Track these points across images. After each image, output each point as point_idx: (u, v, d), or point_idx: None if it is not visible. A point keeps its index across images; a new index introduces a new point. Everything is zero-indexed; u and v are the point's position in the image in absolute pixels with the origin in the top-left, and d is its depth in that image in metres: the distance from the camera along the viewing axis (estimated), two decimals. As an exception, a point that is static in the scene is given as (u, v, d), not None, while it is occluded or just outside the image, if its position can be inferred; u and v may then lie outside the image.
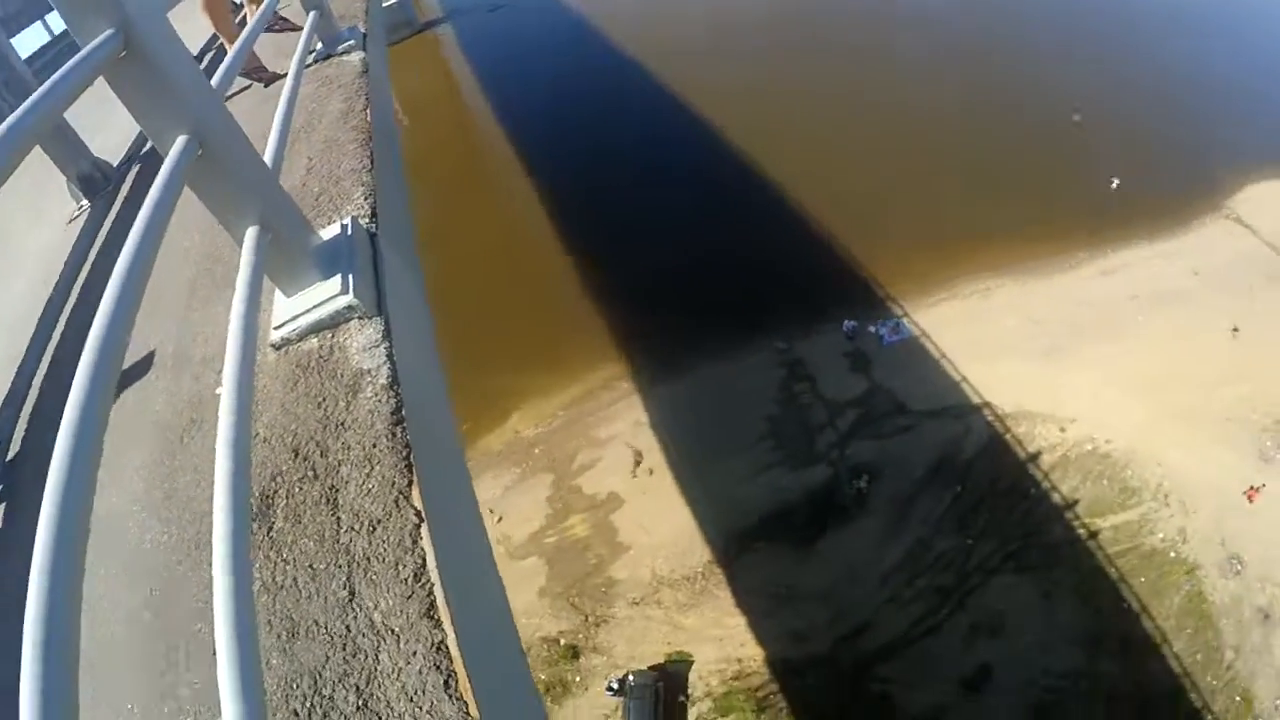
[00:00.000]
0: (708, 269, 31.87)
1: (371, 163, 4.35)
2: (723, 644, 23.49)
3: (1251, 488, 27.81)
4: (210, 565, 1.62)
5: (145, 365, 3.52)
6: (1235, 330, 32.76)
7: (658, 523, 25.53)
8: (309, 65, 6.14)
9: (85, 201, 6.01)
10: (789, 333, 29.96)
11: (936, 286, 31.90)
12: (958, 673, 23.16)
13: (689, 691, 22.77)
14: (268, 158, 3.05)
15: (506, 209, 36.06)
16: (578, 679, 23.13)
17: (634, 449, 27.22)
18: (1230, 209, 40.11)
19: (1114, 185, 38.25)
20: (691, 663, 23.02)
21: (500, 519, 25.84)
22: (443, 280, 28.42)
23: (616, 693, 22.13)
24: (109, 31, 1.86)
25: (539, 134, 40.86)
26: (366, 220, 3.71)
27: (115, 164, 6.76)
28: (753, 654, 23.32)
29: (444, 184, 35.81)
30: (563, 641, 23.59)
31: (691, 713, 22.59)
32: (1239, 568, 26.40)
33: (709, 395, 28.35)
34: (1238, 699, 24.05)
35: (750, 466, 26.57)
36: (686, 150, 38.33)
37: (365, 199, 3.94)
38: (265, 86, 6.37)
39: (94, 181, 6.12)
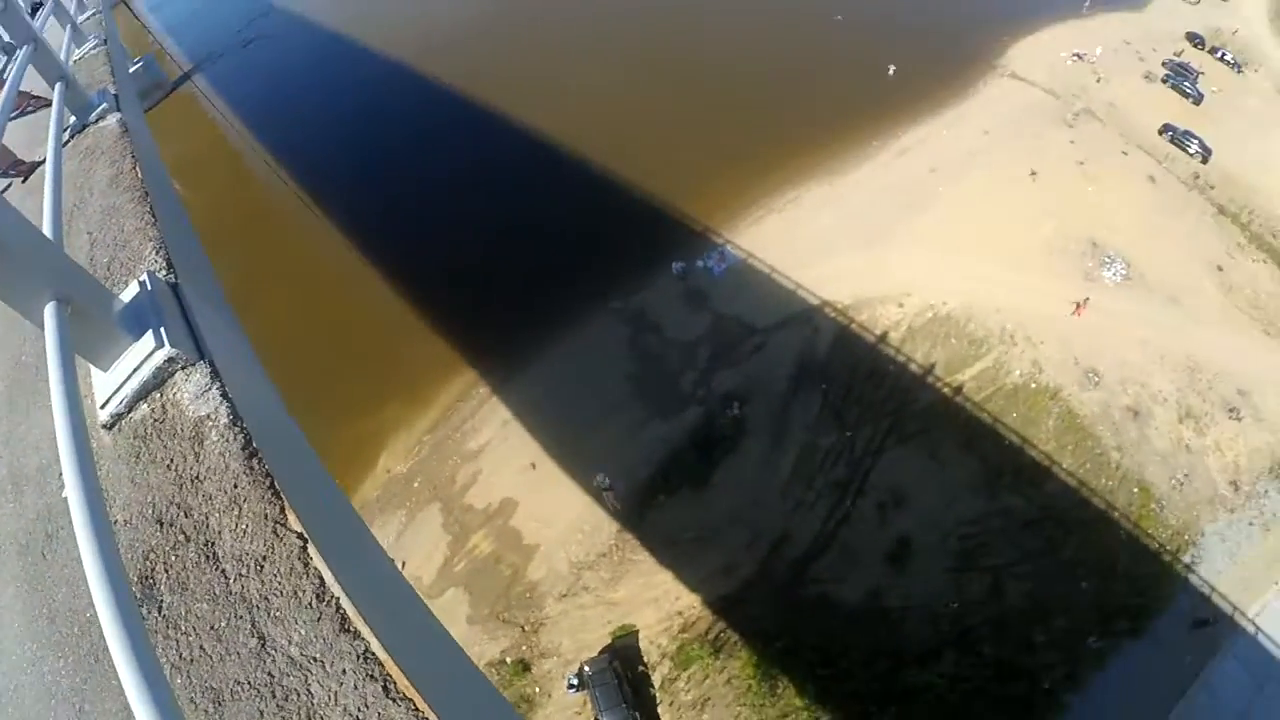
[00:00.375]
0: (525, 252, 34.79)
1: (154, 216, 4.75)
2: (659, 604, 26.17)
3: (1076, 304, 33.20)
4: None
5: (-17, 497, 3.59)
6: (1033, 174, 38.82)
7: (557, 513, 28.01)
8: (66, 142, 6.59)
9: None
10: (623, 290, 33.24)
11: (749, 207, 36.22)
12: (881, 551, 26.77)
13: (645, 660, 25.48)
14: (47, 230, 3.44)
15: (313, 248, 37.97)
16: (537, 690, 25.34)
17: (509, 449, 29.75)
18: (1004, 67, 47.39)
19: (891, 72, 44.23)
20: (637, 632, 25.68)
21: (404, 564, 27.59)
22: (268, 338, 28.68)
23: (578, 687, 24.46)
24: None
25: (324, 161, 42.89)
26: (164, 272, 4.04)
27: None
28: (690, 602, 26.05)
29: (241, 239, 37.16)
30: (509, 660, 25.77)
31: (655, 676, 25.23)
32: (1097, 379, 31.41)
33: (564, 373, 31.24)
34: (1135, 491, 29.02)
35: (626, 428, 29.43)
36: (475, 142, 41.32)
37: (157, 253, 4.30)
38: (24, 181, 6.51)
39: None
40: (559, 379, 31.17)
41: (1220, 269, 37.37)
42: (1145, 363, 32.59)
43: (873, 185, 37.69)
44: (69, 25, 10.00)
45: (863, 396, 30.23)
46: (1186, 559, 28.40)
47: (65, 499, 2.92)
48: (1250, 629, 27.19)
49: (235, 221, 38.14)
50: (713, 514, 27.99)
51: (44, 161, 5.47)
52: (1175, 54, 54.66)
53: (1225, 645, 26.73)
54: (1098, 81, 48.19)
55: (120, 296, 3.53)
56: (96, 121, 6.92)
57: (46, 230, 3.49)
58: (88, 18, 13.20)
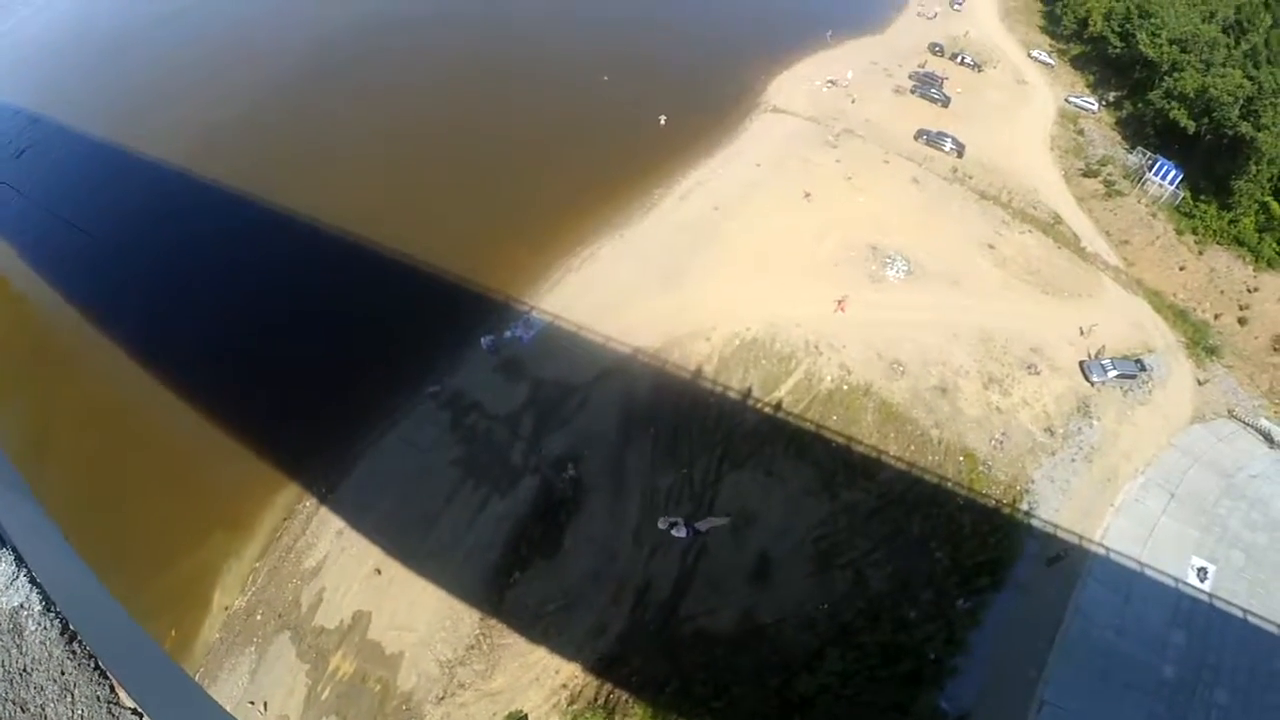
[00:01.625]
0: (330, 351, 34.58)
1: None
2: (541, 682, 25.99)
3: (837, 302, 35.90)
4: None
5: None
6: (808, 195, 42.01)
7: (414, 614, 27.49)
8: None
9: None
10: (435, 374, 33.53)
11: (547, 270, 37.59)
12: (744, 573, 27.65)
13: (540, 743, 24.11)
14: None
15: (107, 383, 35.93)
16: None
17: (349, 559, 29.01)
18: (766, 102, 51.56)
19: (663, 121, 47.48)
20: (525, 716, 25.29)
21: (265, 704, 26.33)
22: (70, 492, 28.72)
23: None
24: None
25: (110, 283, 40.76)
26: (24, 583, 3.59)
27: None
28: (572, 672, 25.98)
29: (26, 388, 35.40)
30: (410, 780, 23.92)
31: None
32: (901, 369, 33.93)
33: (391, 470, 30.95)
34: (961, 459, 31.21)
35: (465, 513, 29.40)
36: (264, 242, 40.77)
37: (17, 564, 3.71)
38: None
39: None
40: (387, 477, 30.78)
41: (992, 247, 41.23)
42: (942, 344, 35.37)
43: (661, 231, 39.80)
44: None
45: (691, 431, 31.43)
46: (1024, 507, 30.65)
47: None
48: (1101, 551, 29.52)
49: (15, 369, 36.16)
50: (571, 578, 28.13)
51: None
52: (919, 66, 60.95)
53: (1083, 572, 28.79)
54: (853, 102, 52.83)
55: None
56: None
57: None
58: None
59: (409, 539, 28.98)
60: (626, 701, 25.47)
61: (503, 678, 26.35)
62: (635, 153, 43.48)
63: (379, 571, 28.33)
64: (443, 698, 26.01)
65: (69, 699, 2.85)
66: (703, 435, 31.38)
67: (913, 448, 31.67)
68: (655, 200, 41.73)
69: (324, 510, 30.28)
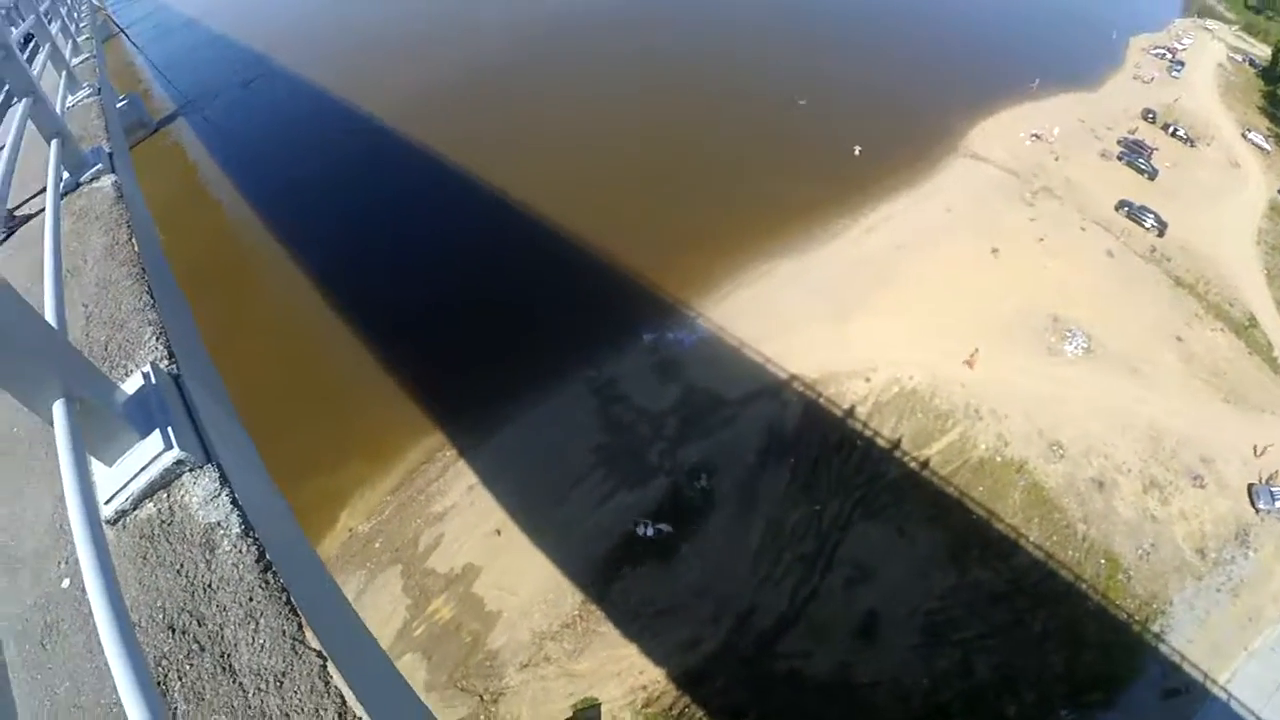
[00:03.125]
0: (499, 318, 34.50)
1: (153, 298, 4.36)
2: (623, 678, 25.21)
3: (968, 355, 33.63)
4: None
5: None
6: (995, 251, 39.27)
7: (521, 580, 27.16)
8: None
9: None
10: (594, 359, 32.95)
11: (720, 282, 36.23)
12: (848, 626, 25.99)
13: (605, 735, 23.99)
14: (50, 317, 3.03)
15: (286, 300, 37.40)
16: (495, 764, 23.80)
17: (475, 514, 28.84)
18: (966, 147, 48.40)
19: (857, 152, 45.17)
20: (600, 705, 24.64)
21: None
22: (236, 387, 30.02)
23: (541, 762, 22.70)
24: None
25: (304, 213, 42.63)
26: (166, 362, 3.73)
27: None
28: (654, 676, 25.16)
29: (215, 286, 36.25)
30: (466, 730, 24.32)
31: (616, 751, 23.70)
32: (1061, 451, 31.19)
33: (533, 440, 30.59)
34: (1103, 562, 28.60)
35: (593, 497, 28.82)
36: (456, 207, 41.48)
37: (157, 339, 3.95)
38: (4, 240, 5.86)
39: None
40: (527, 446, 30.50)
41: (1179, 339, 37.71)
42: (1109, 434, 32.41)
43: (840, 262, 37.86)
44: (64, 71, 9.23)
45: (831, 470, 29.83)
46: (1156, 628, 27.86)
47: (64, 589, 2.95)
48: (1222, 696, 26.69)
49: (209, 267, 37.71)
50: (679, 586, 27.30)
51: (29, 218, 5.54)
52: (1130, 131, 56.17)
53: (1198, 713, 26.13)
54: (1055, 160, 49.10)
55: (123, 387, 3.24)
56: (90, 181, 6.26)
57: (50, 307, 3.20)
58: (81, 62, 12.34)
59: (534, 509, 28.70)
60: (699, 720, 24.13)
61: (588, 663, 25.81)
62: (825, 179, 41.75)
63: (499, 532, 28.21)
64: (526, 665, 25.66)
65: (252, 625, 2.68)
66: (842, 477, 29.84)
67: (1055, 538, 29.21)
68: (839, 230, 39.91)
69: (461, 463, 30.31)
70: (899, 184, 43.41)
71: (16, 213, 6.08)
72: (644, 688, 25.47)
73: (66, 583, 3.00)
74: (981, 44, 61.59)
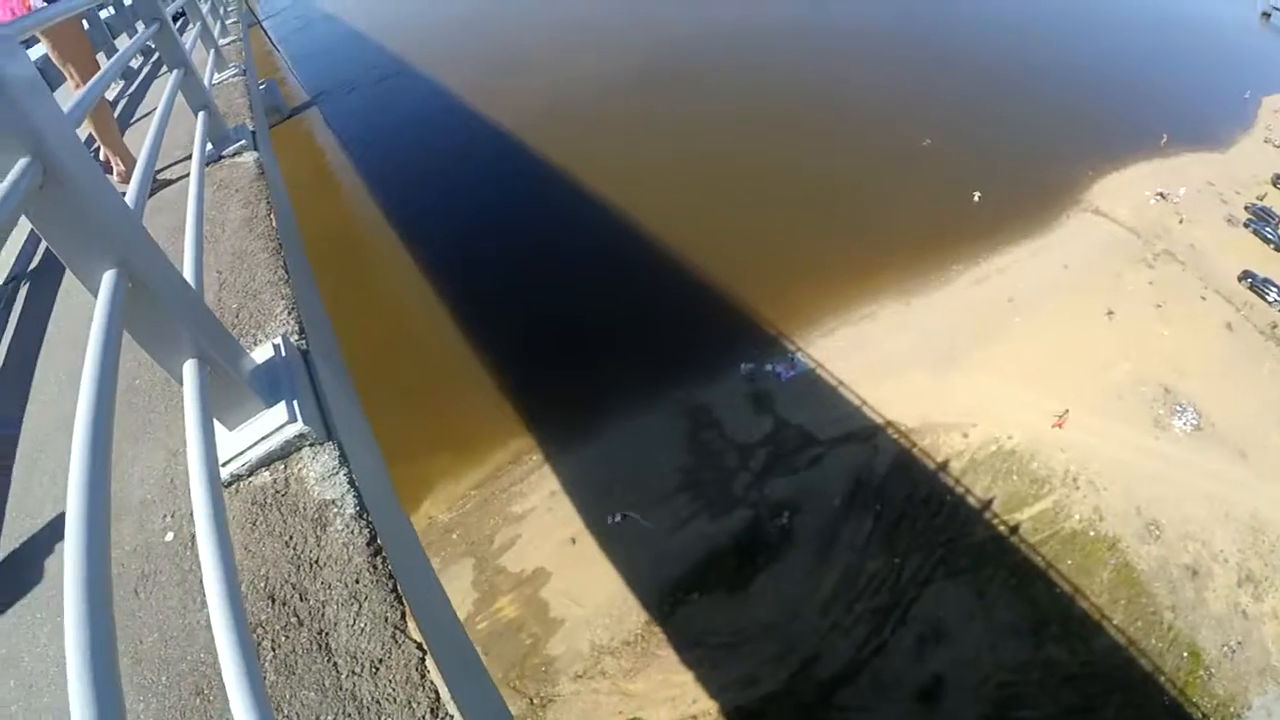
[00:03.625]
0: (600, 329, 34.46)
1: (287, 273, 4.43)
2: (675, 704, 24.90)
3: (1057, 417, 32.36)
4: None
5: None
6: (1110, 313, 37.64)
7: (588, 591, 27.15)
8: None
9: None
10: (689, 382, 32.53)
11: (825, 317, 35.43)
12: (913, 687, 25.17)
13: (652, 760, 23.72)
14: (188, 277, 3.04)
15: (397, 286, 38.33)
16: (537, 768, 23.96)
17: (553, 520, 28.90)
18: (1089, 202, 46.43)
19: (976, 198, 43.74)
20: None
21: None
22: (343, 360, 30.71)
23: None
24: (25, 160, 1.82)
25: (420, 204, 43.87)
26: (296, 337, 3.79)
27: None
28: (707, 708, 24.74)
29: (332, 264, 36.93)
30: (514, 731, 24.72)
31: (661, 778, 23.49)
32: (1157, 532, 29.73)
33: (619, 455, 30.41)
34: (1185, 655, 27.02)
35: (672, 520, 28.54)
36: (567, 213, 41.66)
37: (289, 314, 4.01)
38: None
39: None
40: (614, 460, 30.46)
41: None
42: (1209, 519, 30.87)
43: (949, 310, 36.70)
44: (212, 49, 9.70)
45: (916, 524, 29.06)
46: (1231, 732, 26.01)
47: (167, 542, 2.96)
48: None
49: (327, 247, 38.34)
50: (745, 621, 26.93)
51: (169, 183, 5.76)
52: (1258, 198, 52.84)
53: None
54: (1180, 223, 46.66)
55: (253, 355, 3.29)
56: (233, 155, 6.54)
57: (189, 268, 3.21)
58: (229, 43, 12.95)
59: (612, 523, 28.74)
60: (747, 761, 23.79)
61: (643, 684, 25.60)
62: (941, 223, 40.50)
63: (574, 541, 28.24)
64: (580, 676, 25.67)
65: (355, 607, 2.62)
66: (927, 532, 29.07)
67: (1139, 623, 27.96)
68: (951, 276, 38.69)
69: (547, 468, 30.39)
70: (1017, 234, 41.81)
71: (159, 176, 6.33)
72: (694, 717, 25.20)
73: (170, 536, 3.02)
74: (1112, 93, 58.87)
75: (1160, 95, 61.64)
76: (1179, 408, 34.44)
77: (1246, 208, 51.06)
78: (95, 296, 2.18)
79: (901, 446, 30.70)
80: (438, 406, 32.56)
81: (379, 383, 31.54)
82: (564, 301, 36.35)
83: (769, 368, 33.21)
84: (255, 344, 3.68)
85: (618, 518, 28.83)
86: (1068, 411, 32.44)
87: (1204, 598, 29.13)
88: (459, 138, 50.97)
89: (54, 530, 3.27)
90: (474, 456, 30.74)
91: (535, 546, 28.29)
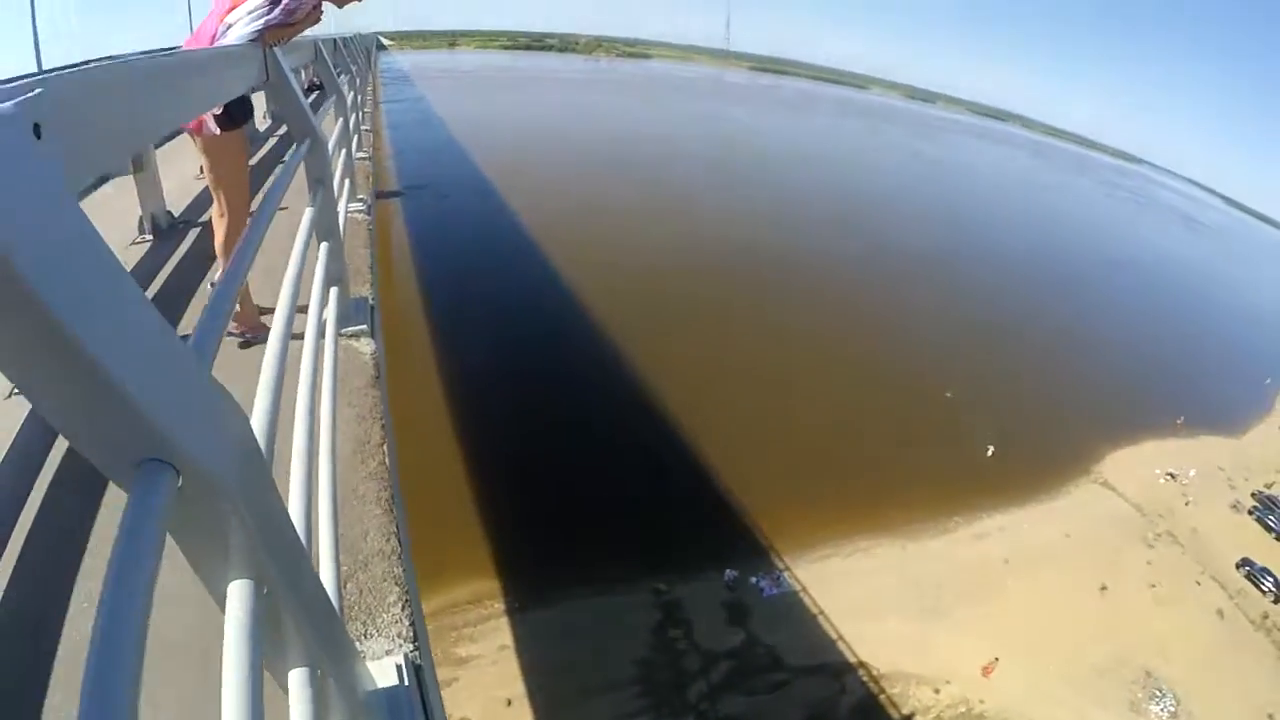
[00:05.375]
0: (594, 497, 33.14)
1: (400, 543, 3.39)
2: None
3: (985, 666, 30.26)
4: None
5: None
6: (1104, 588, 36.21)
7: None
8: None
9: (149, 235, 7.48)
10: (669, 574, 31.06)
11: (819, 542, 34.16)
12: None
13: None
14: (327, 577, 2.40)
15: (406, 380, 36.02)
16: None
17: (496, 675, 26.60)
18: (1099, 473, 45.76)
19: (989, 453, 43.27)
20: None
21: None
22: None
23: None
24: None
25: (457, 319, 43.68)
26: (410, 647, 2.86)
27: (175, 215, 7.92)
28: None
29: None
30: None
31: None
32: None
33: (581, 628, 28.51)
34: None
35: (616, 710, 26.40)
36: (593, 372, 41.30)
37: (402, 608, 3.02)
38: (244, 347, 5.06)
39: (158, 222, 7.62)
40: (574, 632, 28.52)
41: (1270, 717, 32.82)
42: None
43: (944, 560, 35.65)
44: (347, 173, 7.82)
45: (869, 776, 26.65)
46: None
47: None
48: None
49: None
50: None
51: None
52: (1267, 485, 51.93)
53: None
54: (1186, 504, 45.65)
55: (370, 669, 2.44)
56: (348, 338, 5.22)
57: (326, 575, 2.41)
58: (363, 158, 12.39)
59: (556, 697, 26.35)
60: None
61: None
62: (949, 472, 39.97)
63: (509, 703, 25.87)
64: None
65: None
66: (879, 788, 26.74)
67: None
68: (950, 527, 37.78)
69: (504, 620, 28.55)
70: (1023, 495, 40.99)
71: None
72: None
73: None
74: (1138, 366, 59.65)
75: (1183, 372, 62.09)
76: (1158, 693, 32.46)
77: (1254, 495, 49.84)
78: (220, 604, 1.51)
79: (870, 691, 28.96)
80: (414, 508, 31.76)
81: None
82: (566, 453, 35.52)
83: (753, 580, 31.91)
84: (365, 636, 2.87)
85: None
86: (997, 660, 30.91)
87: None
88: (516, 265, 52.43)
89: None
90: (435, 582, 28.37)
91: (469, 695, 25.90)
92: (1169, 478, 47.63)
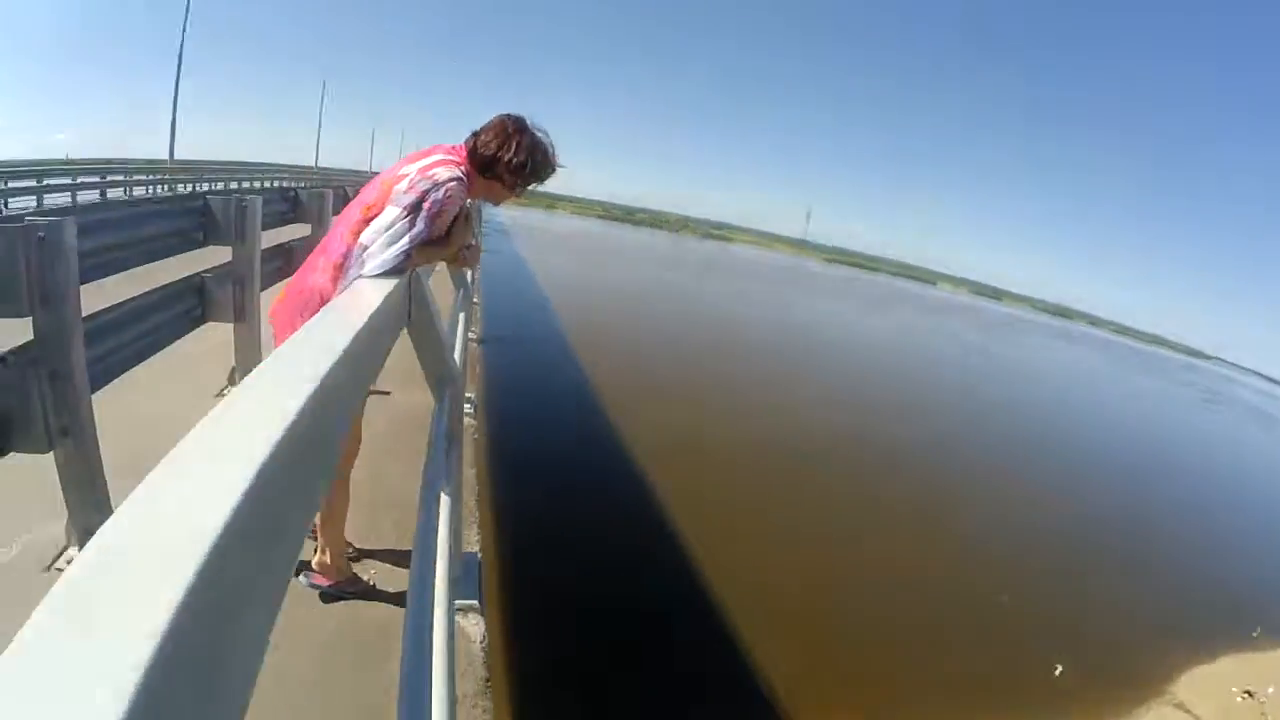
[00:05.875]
0: (628, 682, 33.02)
1: None
2: None
3: None
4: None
5: None
6: None
7: None
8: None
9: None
10: None
11: None
12: None
13: None
14: None
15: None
16: None
17: None
18: (1172, 694, 44.74)
19: (1058, 672, 43.44)
20: None
21: None
22: None
23: None
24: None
25: (518, 467, 44.88)
26: None
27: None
28: None
29: None
30: None
31: None
32: None
33: None
34: None
35: None
36: (657, 547, 42.16)
37: None
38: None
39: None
40: None
41: None
42: None
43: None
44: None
45: None
46: None
47: None
48: None
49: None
50: None
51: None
52: None
53: None
54: None
55: None
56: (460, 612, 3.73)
57: None
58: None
59: None
60: None
61: None
62: (1018, 689, 37.98)
63: None
64: None
65: None
66: None
67: None
68: (1014, 759, 35.82)
69: None
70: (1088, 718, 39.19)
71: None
72: None
73: None
74: (1215, 575, 56.35)
75: (1260, 578, 58.81)
76: None
77: (1337, 696, 45.95)
78: None
79: None
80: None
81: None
82: (607, 615, 34.90)
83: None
84: None
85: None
86: None
87: None
88: (587, 431, 51.87)
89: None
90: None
91: None
92: (1246, 695, 44.74)
